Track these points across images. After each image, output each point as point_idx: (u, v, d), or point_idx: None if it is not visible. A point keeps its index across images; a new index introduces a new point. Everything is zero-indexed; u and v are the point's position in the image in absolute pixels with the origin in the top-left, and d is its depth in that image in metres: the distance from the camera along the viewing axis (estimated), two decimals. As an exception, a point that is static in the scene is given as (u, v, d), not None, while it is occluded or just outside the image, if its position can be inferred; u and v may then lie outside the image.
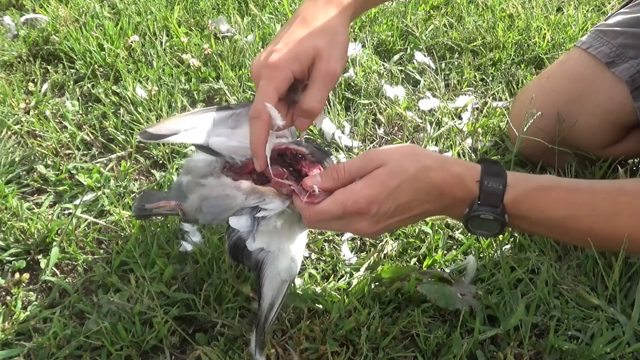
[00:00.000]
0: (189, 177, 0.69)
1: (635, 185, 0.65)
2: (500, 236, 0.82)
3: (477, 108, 1.12)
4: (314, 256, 0.81)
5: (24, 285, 0.78)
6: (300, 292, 0.72)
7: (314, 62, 0.65)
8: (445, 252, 0.81)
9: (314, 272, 0.76)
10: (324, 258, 0.81)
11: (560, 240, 0.75)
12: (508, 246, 0.82)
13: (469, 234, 0.83)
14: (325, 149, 0.71)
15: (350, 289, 0.74)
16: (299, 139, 0.69)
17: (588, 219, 0.63)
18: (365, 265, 0.78)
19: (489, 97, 1.14)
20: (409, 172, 0.62)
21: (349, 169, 0.62)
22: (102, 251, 0.82)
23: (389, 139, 1.05)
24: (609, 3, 1.47)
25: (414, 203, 0.63)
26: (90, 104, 1.10)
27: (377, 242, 0.83)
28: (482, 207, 0.62)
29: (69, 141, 1.00)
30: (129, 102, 1.07)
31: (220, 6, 1.39)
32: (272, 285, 0.65)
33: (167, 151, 0.98)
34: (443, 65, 1.21)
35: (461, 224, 0.85)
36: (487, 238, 0.69)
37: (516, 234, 0.82)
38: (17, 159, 0.95)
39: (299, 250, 0.68)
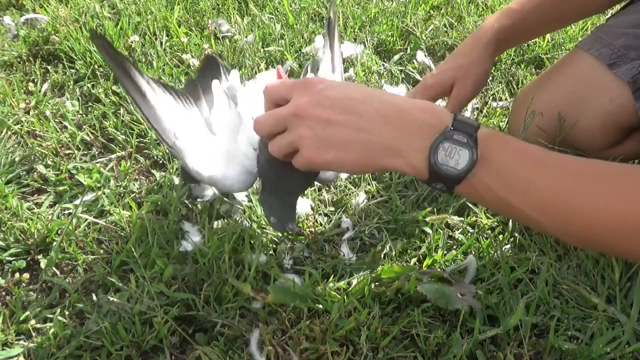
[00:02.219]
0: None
1: (606, 162, 0.59)
2: (501, 236, 0.82)
3: (477, 108, 1.12)
4: (314, 256, 0.81)
5: (24, 285, 0.78)
6: (300, 292, 0.72)
7: (452, 88, 0.90)
8: (445, 252, 0.81)
9: (314, 272, 0.76)
10: (324, 258, 0.81)
11: (525, 210, 0.57)
12: (508, 246, 0.82)
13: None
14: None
15: (350, 289, 0.74)
16: None
17: (557, 175, 0.55)
18: (365, 265, 0.78)
19: (489, 97, 1.14)
20: (376, 89, 0.59)
21: None
22: (102, 251, 0.82)
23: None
24: (609, 3, 1.47)
25: (369, 110, 0.56)
26: (90, 104, 1.10)
27: (377, 242, 0.83)
28: (455, 132, 0.54)
29: (69, 141, 1.00)
30: (129, 102, 1.07)
31: (220, 6, 1.39)
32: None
33: (167, 151, 0.98)
34: (443, 65, 1.21)
35: (461, 225, 0.85)
36: (446, 183, 0.56)
37: (516, 234, 0.82)
38: (17, 159, 0.95)
39: None
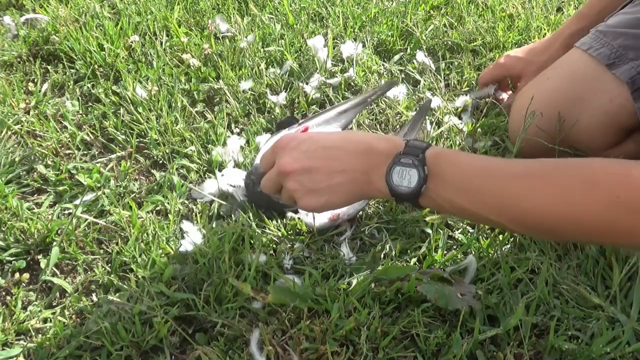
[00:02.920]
0: None
1: (552, 159, 0.67)
2: (501, 236, 0.82)
3: (477, 108, 1.12)
4: (314, 256, 0.81)
5: (24, 285, 0.78)
6: (300, 292, 0.72)
7: (518, 76, 1.06)
8: (445, 252, 0.81)
9: (314, 272, 0.76)
10: (323, 258, 0.81)
11: (476, 213, 0.65)
12: (508, 246, 0.82)
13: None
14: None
15: (350, 289, 0.74)
16: None
17: (499, 179, 0.62)
18: (365, 265, 0.78)
19: (489, 97, 1.14)
20: (342, 131, 0.73)
21: None
22: (102, 251, 0.82)
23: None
24: (609, 3, 1.47)
25: (338, 152, 0.66)
26: (90, 104, 1.10)
27: (377, 242, 0.83)
28: (404, 155, 0.63)
29: (69, 141, 1.00)
30: (129, 102, 1.07)
31: (220, 6, 1.39)
32: None
33: (167, 151, 0.98)
34: (443, 65, 1.21)
35: (461, 225, 0.85)
36: (407, 201, 0.65)
37: (516, 233, 0.82)
38: (17, 159, 0.95)
39: None
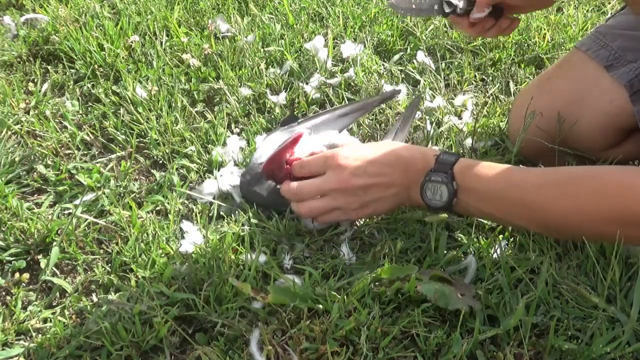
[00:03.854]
0: None
1: (567, 167, 0.74)
2: (501, 236, 0.82)
3: (477, 107, 1.12)
4: (314, 256, 0.81)
5: (24, 285, 0.78)
6: (300, 292, 0.72)
7: None
8: (445, 252, 0.81)
9: (314, 272, 0.76)
10: (323, 258, 0.81)
11: (504, 219, 0.76)
12: (508, 246, 0.82)
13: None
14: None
15: (350, 289, 0.74)
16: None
17: (518, 190, 0.69)
18: (365, 265, 0.78)
19: (489, 97, 1.14)
20: (380, 144, 0.78)
21: None
22: (102, 251, 0.82)
23: (389, 139, 1.05)
24: (609, 3, 1.47)
25: (386, 168, 0.74)
26: (90, 104, 1.10)
27: (377, 242, 0.83)
28: (434, 173, 0.72)
29: (69, 141, 1.00)
30: (129, 102, 1.07)
31: (220, 6, 1.39)
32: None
33: (167, 151, 0.98)
34: (443, 65, 1.21)
35: (461, 225, 0.85)
36: (441, 211, 0.75)
37: (516, 233, 0.82)
38: (17, 159, 0.95)
39: None
